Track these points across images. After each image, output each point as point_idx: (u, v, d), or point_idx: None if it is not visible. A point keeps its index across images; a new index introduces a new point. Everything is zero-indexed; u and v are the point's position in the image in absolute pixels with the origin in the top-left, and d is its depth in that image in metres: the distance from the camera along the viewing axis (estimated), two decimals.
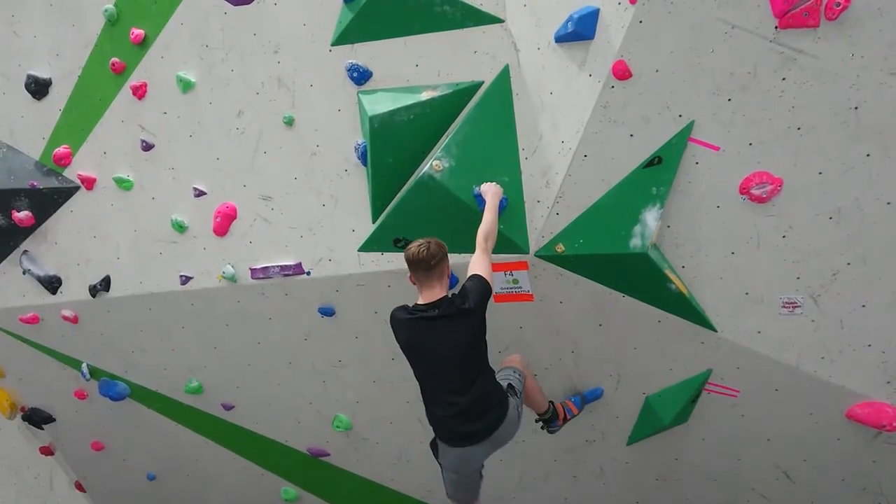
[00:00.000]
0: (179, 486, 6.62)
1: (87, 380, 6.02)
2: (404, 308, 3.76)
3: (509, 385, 3.94)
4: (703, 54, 3.43)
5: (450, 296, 3.70)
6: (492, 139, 4.10)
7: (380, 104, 4.25)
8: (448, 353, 3.65)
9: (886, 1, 3.13)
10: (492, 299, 4.25)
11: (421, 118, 4.20)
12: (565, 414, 4.49)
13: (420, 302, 3.72)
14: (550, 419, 4.45)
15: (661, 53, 3.48)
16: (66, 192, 5.44)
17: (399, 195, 4.23)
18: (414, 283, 3.78)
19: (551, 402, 4.46)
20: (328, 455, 5.78)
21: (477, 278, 3.67)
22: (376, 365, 5.03)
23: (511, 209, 4.04)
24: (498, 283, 4.25)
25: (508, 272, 4.19)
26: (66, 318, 5.75)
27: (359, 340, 4.99)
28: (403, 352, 3.82)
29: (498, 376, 3.93)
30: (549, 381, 4.62)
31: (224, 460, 6.18)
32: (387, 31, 4.27)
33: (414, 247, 3.66)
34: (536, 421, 4.50)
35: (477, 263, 3.72)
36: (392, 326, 3.80)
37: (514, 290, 4.26)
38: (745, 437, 4.30)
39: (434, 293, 3.69)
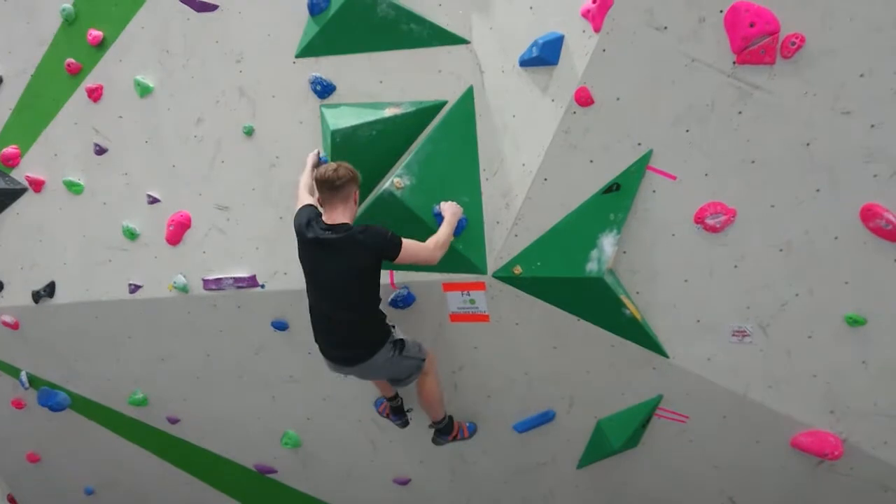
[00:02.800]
0: (119, 502, 6.43)
1: (26, 388, 5.85)
2: (309, 220, 3.81)
3: (400, 340, 4.01)
4: (663, 85, 3.48)
5: (352, 225, 3.77)
6: (453, 159, 4.11)
7: (342, 119, 4.22)
8: (332, 276, 3.76)
9: (839, 42, 3.22)
10: (447, 318, 4.34)
11: (383, 135, 4.19)
12: (458, 433, 4.59)
13: (323, 218, 3.81)
14: (444, 430, 4.52)
15: (623, 82, 3.53)
16: (13, 194, 5.30)
17: (358, 211, 4.18)
18: (321, 205, 3.87)
19: (451, 416, 4.54)
20: (275, 472, 5.68)
21: (392, 235, 3.72)
22: (327, 382, 4.94)
23: (470, 230, 4.05)
24: (455, 302, 4.27)
25: (465, 292, 4.19)
26: (6, 323, 5.58)
27: (311, 356, 4.88)
28: (298, 256, 3.94)
29: (407, 338, 4.07)
30: (501, 402, 4.63)
31: (167, 475, 6.03)
32: (352, 46, 4.26)
33: (323, 167, 3.78)
34: (429, 427, 4.55)
35: (412, 241, 3.76)
36: (294, 226, 3.91)
37: (470, 310, 4.26)
38: (693, 463, 4.35)
39: (335, 215, 3.78)
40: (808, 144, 3.41)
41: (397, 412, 4.66)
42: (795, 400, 3.87)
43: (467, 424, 4.68)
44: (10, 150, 5.24)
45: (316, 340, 4.04)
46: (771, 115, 3.41)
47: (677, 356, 3.95)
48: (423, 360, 4.19)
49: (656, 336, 3.93)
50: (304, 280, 3.96)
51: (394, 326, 4.04)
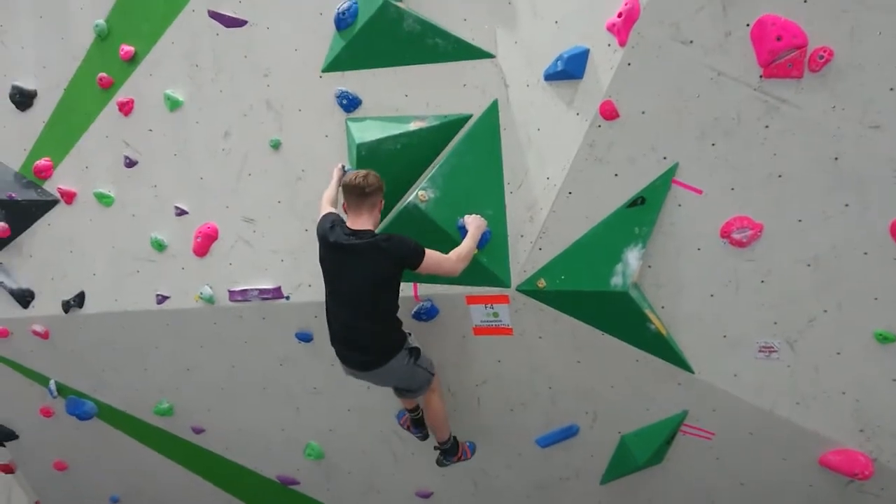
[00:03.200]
0: None
1: (54, 397, 5.90)
2: (333, 224, 3.85)
3: (416, 348, 4.06)
4: (689, 99, 3.46)
5: (376, 232, 3.82)
6: (478, 172, 4.11)
7: (368, 132, 4.25)
8: (353, 282, 3.76)
9: (867, 56, 3.19)
10: (471, 331, 4.34)
11: (408, 148, 4.20)
12: (462, 454, 4.57)
13: (347, 224, 3.84)
14: (449, 451, 4.50)
15: (649, 96, 3.51)
16: (45, 205, 5.37)
17: (383, 223, 4.20)
18: (346, 211, 3.92)
19: (454, 436, 4.52)
20: (298, 484, 5.68)
21: (416, 244, 3.74)
22: (351, 393, 4.96)
23: (494, 243, 4.05)
24: (478, 315, 4.26)
25: (489, 305, 4.18)
26: (36, 333, 5.63)
27: (335, 368, 4.83)
28: (319, 259, 3.97)
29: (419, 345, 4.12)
30: (525, 416, 4.60)
31: (191, 485, 6.06)
32: (378, 61, 4.28)
33: (352, 174, 3.84)
34: (435, 448, 4.54)
35: (435, 252, 3.77)
36: (317, 232, 3.95)
37: (493, 323, 4.25)
38: (719, 481, 4.29)
39: (360, 221, 3.81)
40: (836, 159, 3.37)
41: (418, 424, 4.65)
42: (824, 417, 3.81)
43: (468, 444, 4.68)
44: (42, 162, 5.32)
45: (332, 344, 4.05)
46: (798, 129, 3.37)
47: (703, 371, 3.91)
48: (433, 374, 4.21)
49: (681, 351, 3.89)
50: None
51: (409, 334, 4.06)
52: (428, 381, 4.18)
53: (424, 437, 4.69)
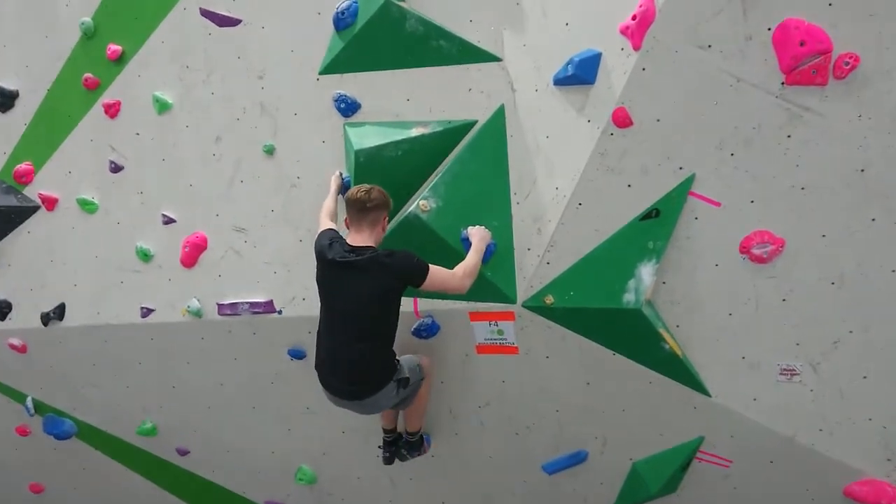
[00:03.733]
0: None
1: (31, 415, 5.75)
2: (332, 241, 3.79)
3: (405, 378, 3.96)
4: (706, 106, 3.42)
5: (377, 248, 3.77)
6: (483, 181, 4.07)
7: (367, 138, 4.21)
8: (351, 299, 3.68)
9: (895, 63, 3.14)
10: (474, 350, 4.27)
11: (410, 155, 4.16)
12: (423, 451, 4.61)
13: (348, 241, 3.79)
14: (414, 445, 4.52)
15: (664, 103, 3.47)
16: (25, 212, 5.28)
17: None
18: (347, 227, 3.89)
19: (422, 433, 4.55)
20: None
21: (419, 260, 3.68)
22: (346, 414, 4.70)
23: (500, 256, 3.99)
24: (482, 333, 4.20)
25: (493, 322, 4.11)
26: (13, 346, 5.50)
27: None
28: (316, 279, 3.90)
29: (403, 359, 4.02)
30: (531, 441, 4.52)
31: None
32: (378, 63, 4.26)
33: (355, 188, 3.82)
34: (402, 444, 4.53)
35: (440, 268, 3.70)
36: (315, 249, 3.87)
37: (498, 341, 4.18)
38: None
39: (361, 237, 3.77)
40: (862, 170, 3.32)
41: (387, 445, 4.59)
42: (849, 445, 3.73)
43: (426, 438, 4.64)
44: (23, 166, 5.24)
45: (317, 367, 3.95)
46: (822, 138, 3.32)
47: (720, 395, 3.83)
48: (422, 380, 4.16)
49: (698, 373, 3.82)
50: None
51: (399, 361, 3.96)
52: (415, 391, 4.15)
53: (388, 460, 4.62)
